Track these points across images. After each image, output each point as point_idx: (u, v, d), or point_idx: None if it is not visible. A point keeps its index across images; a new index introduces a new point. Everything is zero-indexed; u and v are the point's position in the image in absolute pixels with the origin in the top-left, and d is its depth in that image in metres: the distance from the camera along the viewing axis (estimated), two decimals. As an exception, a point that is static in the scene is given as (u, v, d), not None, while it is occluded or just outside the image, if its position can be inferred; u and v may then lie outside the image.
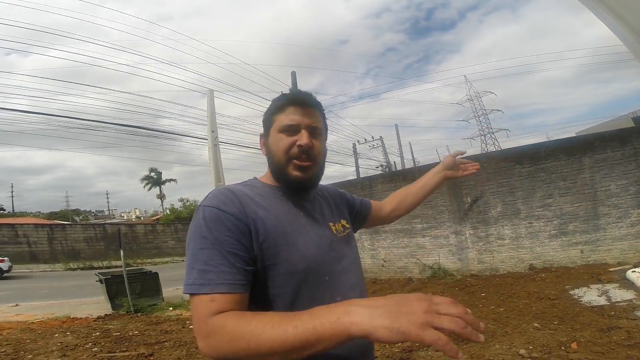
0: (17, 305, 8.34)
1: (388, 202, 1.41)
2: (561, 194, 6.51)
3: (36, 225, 23.93)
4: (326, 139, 1.08)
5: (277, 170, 0.98)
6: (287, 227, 0.89)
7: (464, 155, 1.45)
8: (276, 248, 0.84)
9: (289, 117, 0.96)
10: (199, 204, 0.87)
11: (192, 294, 0.75)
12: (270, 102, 1.03)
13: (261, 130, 1.07)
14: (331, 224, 1.05)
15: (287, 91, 1.05)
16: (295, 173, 0.96)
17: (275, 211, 0.91)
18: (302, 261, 0.86)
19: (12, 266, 16.78)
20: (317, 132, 0.99)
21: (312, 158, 0.96)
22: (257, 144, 1.09)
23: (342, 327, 0.58)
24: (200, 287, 0.75)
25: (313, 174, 0.99)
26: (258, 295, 0.82)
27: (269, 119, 1.01)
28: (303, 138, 0.94)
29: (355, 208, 1.28)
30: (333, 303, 0.72)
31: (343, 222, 1.11)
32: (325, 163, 1.06)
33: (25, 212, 50.94)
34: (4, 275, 16.03)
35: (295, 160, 0.95)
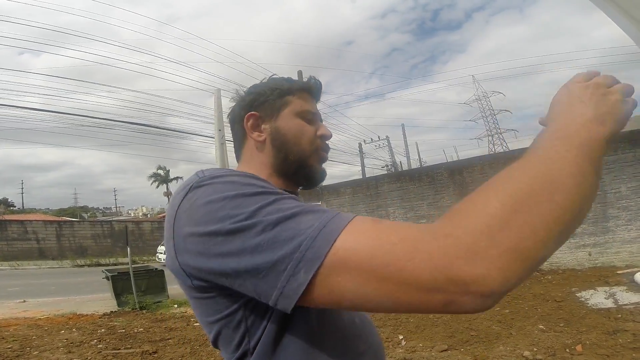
0: (24, 301, 8.44)
1: None
2: (569, 195, 6.43)
3: (45, 221, 24.20)
4: None
5: (296, 161, 0.80)
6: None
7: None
8: None
9: (309, 103, 0.84)
10: (189, 186, 0.57)
11: (332, 244, 0.44)
12: (270, 80, 0.88)
13: None
14: None
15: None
16: (318, 166, 0.84)
17: None
18: None
19: None
20: None
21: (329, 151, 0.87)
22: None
23: (598, 136, 0.46)
24: (340, 219, 0.47)
25: (325, 173, 0.90)
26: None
27: (277, 99, 0.82)
28: (327, 129, 0.84)
29: None
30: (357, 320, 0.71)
31: None
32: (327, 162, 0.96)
33: (35, 208, 51.64)
34: None
35: (321, 152, 0.83)
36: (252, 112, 0.82)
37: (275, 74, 0.90)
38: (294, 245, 0.45)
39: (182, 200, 0.56)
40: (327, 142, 0.85)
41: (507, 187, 0.42)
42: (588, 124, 0.47)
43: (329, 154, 0.88)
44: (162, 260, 15.29)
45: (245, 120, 0.82)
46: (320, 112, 0.89)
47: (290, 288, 0.45)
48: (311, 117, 0.83)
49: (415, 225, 0.44)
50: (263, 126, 0.82)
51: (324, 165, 0.86)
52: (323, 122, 0.87)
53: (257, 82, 0.89)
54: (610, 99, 0.50)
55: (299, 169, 0.81)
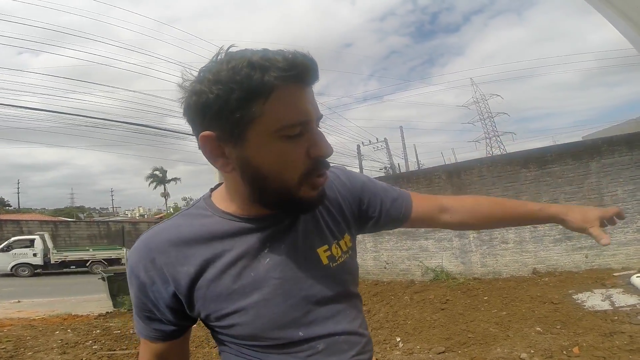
0: (19, 302, 8.39)
1: (452, 207, 0.88)
2: (567, 198, 6.45)
3: (41, 221, 24.05)
4: None
5: (277, 196, 0.62)
6: (233, 286, 0.64)
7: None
8: (218, 312, 0.65)
9: (293, 107, 0.56)
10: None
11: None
12: (227, 64, 0.54)
13: None
14: (324, 248, 0.72)
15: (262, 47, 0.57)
16: (311, 194, 0.64)
17: (221, 261, 0.65)
18: (256, 324, 0.65)
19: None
20: (319, 121, 0.64)
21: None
22: None
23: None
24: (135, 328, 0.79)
25: (324, 189, 0.68)
26: (229, 340, 0.71)
27: (238, 111, 0.54)
28: (323, 144, 0.61)
29: (375, 213, 0.82)
30: (320, 346, 0.67)
31: (347, 238, 0.77)
32: None
33: (31, 208, 51.34)
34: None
35: (314, 178, 0.62)
36: (206, 133, 0.58)
37: (233, 45, 0.58)
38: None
39: None
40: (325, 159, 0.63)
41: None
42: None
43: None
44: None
45: (200, 144, 0.60)
46: (316, 105, 0.62)
47: None
48: (298, 131, 0.58)
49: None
50: (226, 150, 0.60)
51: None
52: (319, 124, 0.63)
53: (214, 58, 0.58)
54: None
55: (282, 203, 0.64)
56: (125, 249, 17.25)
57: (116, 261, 14.59)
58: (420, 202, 0.86)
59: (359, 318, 0.76)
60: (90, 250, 16.95)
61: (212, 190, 0.76)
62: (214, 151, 0.60)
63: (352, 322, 0.73)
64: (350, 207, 0.79)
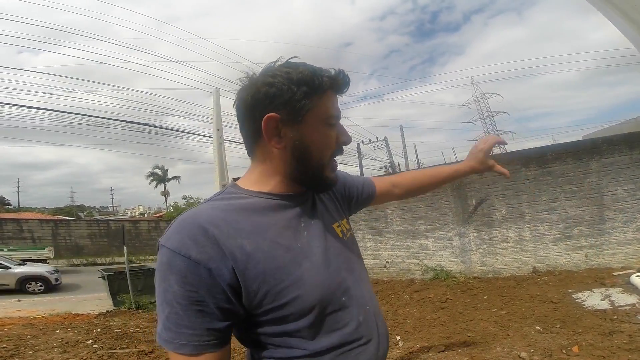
0: (19, 300, 8.40)
1: (399, 182, 1.20)
2: (567, 197, 6.45)
3: (41, 220, 24.07)
4: None
5: (313, 172, 0.77)
6: (287, 255, 0.70)
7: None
8: (278, 287, 0.67)
9: (334, 106, 0.77)
10: (159, 240, 0.68)
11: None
12: (291, 68, 0.72)
13: None
14: (336, 224, 0.87)
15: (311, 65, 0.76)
16: (333, 175, 0.81)
17: (269, 233, 0.70)
18: (313, 293, 0.69)
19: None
20: None
21: None
22: None
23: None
24: (165, 343, 0.64)
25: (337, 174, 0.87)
26: (273, 332, 0.70)
27: (303, 100, 0.72)
28: (347, 134, 0.81)
29: (354, 194, 1.05)
30: (361, 317, 0.75)
31: (344, 220, 0.94)
32: None
33: (31, 207, 51.33)
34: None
35: (334, 161, 0.81)
36: (272, 114, 0.71)
37: (294, 57, 0.77)
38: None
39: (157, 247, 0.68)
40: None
41: None
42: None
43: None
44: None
45: (263, 122, 0.72)
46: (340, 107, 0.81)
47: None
48: (334, 122, 0.78)
49: None
50: (283, 131, 0.73)
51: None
52: (341, 124, 0.81)
53: (269, 64, 0.76)
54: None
55: (314, 179, 0.79)
56: (47, 248, 16.03)
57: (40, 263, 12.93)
58: (379, 182, 1.15)
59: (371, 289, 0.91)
60: (5, 250, 15.09)
61: (235, 180, 0.83)
62: (272, 130, 0.73)
63: (371, 291, 0.87)
64: (341, 193, 0.99)
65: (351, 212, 1.05)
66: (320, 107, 0.73)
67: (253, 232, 0.68)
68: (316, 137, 0.75)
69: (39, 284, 11.08)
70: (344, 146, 0.80)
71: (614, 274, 5.54)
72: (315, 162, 0.76)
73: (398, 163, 27.94)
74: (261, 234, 0.69)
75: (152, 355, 4.23)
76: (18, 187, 55.14)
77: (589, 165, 6.37)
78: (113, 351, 4.32)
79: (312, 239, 0.76)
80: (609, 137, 6.63)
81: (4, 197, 52.37)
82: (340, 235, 0.85)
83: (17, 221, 22.68)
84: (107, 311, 6.92)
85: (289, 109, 0.71)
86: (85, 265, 19.19)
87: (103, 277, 7.84)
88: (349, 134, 0.81)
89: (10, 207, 48.42)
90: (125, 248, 7.74)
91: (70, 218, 31.21)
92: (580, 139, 10.34)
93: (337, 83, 0.76)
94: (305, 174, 0.77)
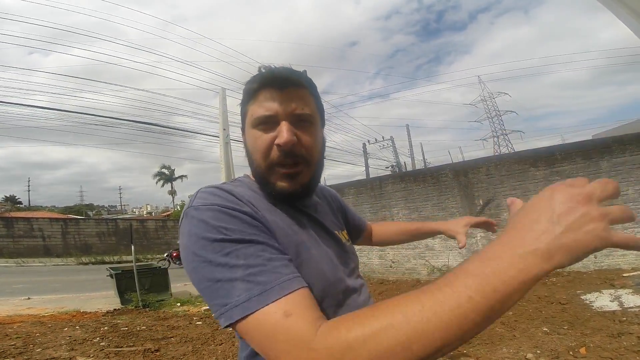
0: (29, 298, 8.49)
1: (377, 232, 1.25)
2: (575, 197, 6.38)
3: (51, 219, 24.37)
4: (323, 126, 0.82)
5: (258, 178, 0.75)
6: (299, 237, 0.69)
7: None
8: (296, 261, 0.64)
9: (263, 105, 0.70)
10: (184, 210, 0.64)
11: (244, 317, 0.51)
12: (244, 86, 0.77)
13: None
14: (337, 231, 0.86)
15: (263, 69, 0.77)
16: (281, 184, 0.71)
17: (280, 216, 0.70)
18: (320, 279, 0.67)
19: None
20: (305, 119, 0.72)
21: (301, 159, 0.72)
22: None
23: (529, 275, 0.45)
24: (260, 298, 0.51)
25: (306, 182, 0.74)
26: None
27: (242, 110, 0.78)
28: (282, 134, 0.68)
29: (350, 221, 1.08)
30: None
31: (344, 232, 0.92)
32: (325, 158, 0.82)
33: (41, 206, 52.07)
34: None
35: (278, 168, 0.71)
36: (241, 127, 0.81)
37: (269, 65, 0.76)
38: (221, 303, 0.54)
39: (180, 223, 0.64)
40: (292, 148, 0.69)
41: (405, 317, 0.44)
42: (529, 257, 0.43)
43: (328, 157, 0.79)
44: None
45: None
46: (295, 104, 0.71)
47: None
48: (270, 122, 0.70)
49: (309, 326, 0.48)
50: (243, 139, 0.80)
51: (307, 175, 0.74)
52: (284, 123, 0.70)
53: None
54: (589, 225, 0.40)
55: (263, 186, 0.74)
56: None
57: None
58: (367, 225, 1.20)
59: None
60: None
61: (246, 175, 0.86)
62: (243, 138, 0.79)
63: (367, 303, 0.82)
64: (341, 212, 1.03)
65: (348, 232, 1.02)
66: (251, 110, 0.73)
67: (269, 211, 0.69)
68: (250, 142, 0.75)
69: None
70: (284, 149, 0.69)
71: (623, 275, 5.47)
72: (255, 169, 0.74)
73: (404, 162, 27.87)
74: (276, 215, 0.70)
75: (158, 353, 4.25)
76: (29, 186, 56.02)
77: (599, 165, 6.30)
78: (120, 349, 4.36)
79: (317, 232, 0.77)
80: (620, 137, 6.54)
81: (15, 196, 53.15)
82: (343, 239, 0.86)
83: (27, 220, 22.99)
84: (115, 309, 6.97)
85: (241, 121, 0.79)
86: (93, 263, 19.37)
87: (111, 276, 7.91)
88: (290, 134, 0.69)
89: (21, 205, 49.10)
90: (132, 247, 7.80)
91: (79, 217, 31.57)
92: (590, 138, 10.20)
93: (267, 80, 0.71)
94: (256, 179, 0.76)
